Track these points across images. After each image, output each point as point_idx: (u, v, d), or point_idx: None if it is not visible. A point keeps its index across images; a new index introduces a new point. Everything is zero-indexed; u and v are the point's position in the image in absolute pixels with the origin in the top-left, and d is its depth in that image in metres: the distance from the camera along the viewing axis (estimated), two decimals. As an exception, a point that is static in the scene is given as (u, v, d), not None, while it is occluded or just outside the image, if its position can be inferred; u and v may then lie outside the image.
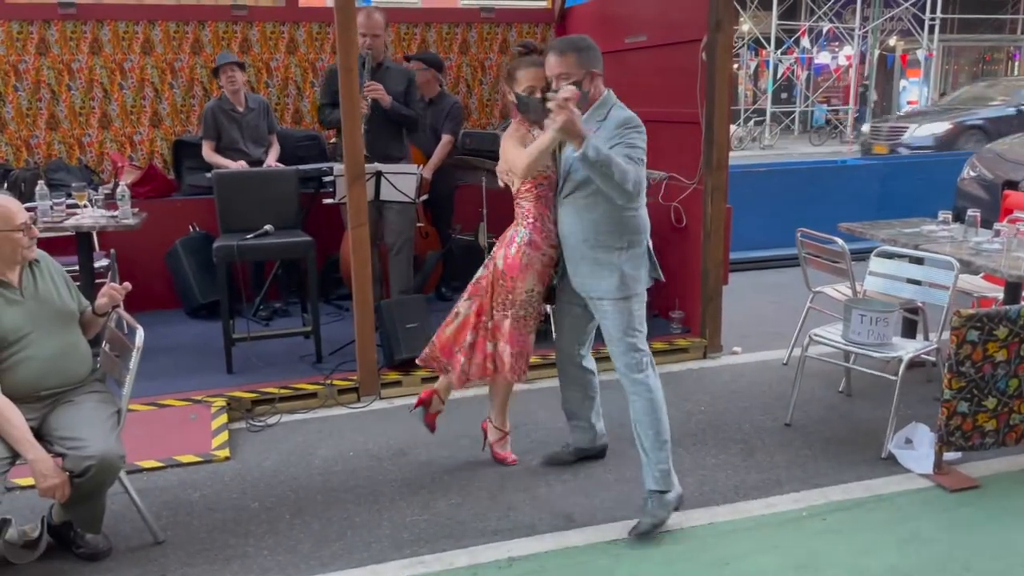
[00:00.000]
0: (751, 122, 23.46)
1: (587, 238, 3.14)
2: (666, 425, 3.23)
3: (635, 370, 3.20)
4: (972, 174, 7.10)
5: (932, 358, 4.03)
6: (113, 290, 3.03)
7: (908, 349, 3.84)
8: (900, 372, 3.74)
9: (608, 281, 3.14)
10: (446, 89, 6.18)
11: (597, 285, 3.17)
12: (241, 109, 5.66)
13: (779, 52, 23.85)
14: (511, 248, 3.38)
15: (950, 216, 4.64)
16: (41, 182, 4.77)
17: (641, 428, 3.21)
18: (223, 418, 4.13)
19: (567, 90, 2.92)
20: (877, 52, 25.36)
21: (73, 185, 4.97)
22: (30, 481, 2.94)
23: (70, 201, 4.76)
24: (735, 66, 23.80)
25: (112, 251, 5.52)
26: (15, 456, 2.76)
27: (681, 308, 5.29)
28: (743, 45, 24.15)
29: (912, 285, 4.17)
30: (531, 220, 3.36)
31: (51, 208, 4.60)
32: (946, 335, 3.54)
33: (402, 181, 4.85)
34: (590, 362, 3.62)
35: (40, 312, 2.92)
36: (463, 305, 3.50)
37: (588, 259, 3.16)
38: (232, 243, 4.66)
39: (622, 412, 4.29)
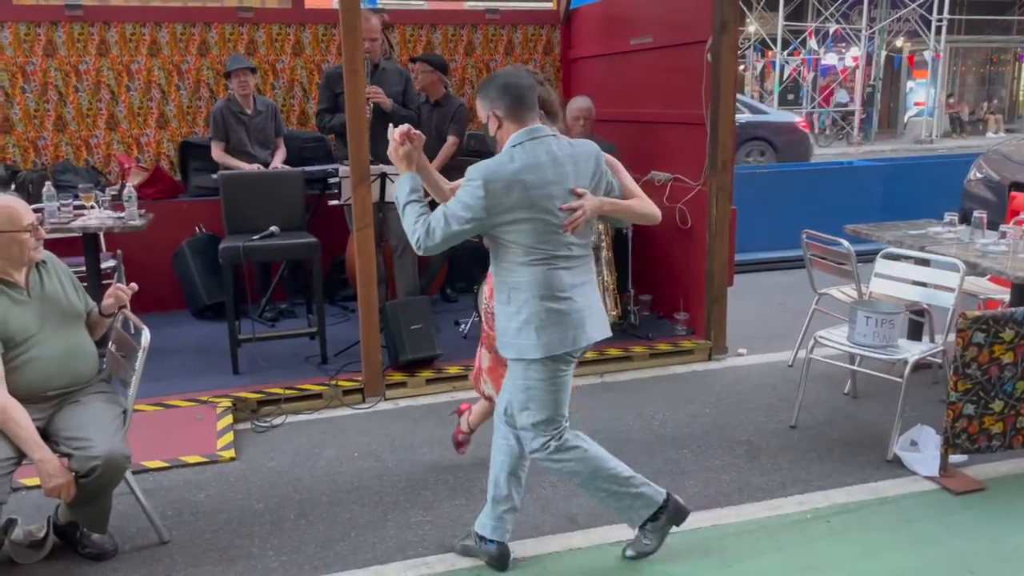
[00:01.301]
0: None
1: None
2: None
3: (535, 450, 2.85)
4: (979, 175, 7.07)
5: (938, 360, 4.03)
6: (119, 291, 3.05)
7: (914, 351, 3.83)
8: (906, 374, 3.73)
9: (499, 334, 2.82)
10: (451, 91, 6.19)
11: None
12: (249, 111, 5.68)
13: (785, 53, 23.80)
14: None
15: (956, 218, 4.63)
16: (48, 183, 4.79)
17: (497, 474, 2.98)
18: (229, 419, 4.15)
19: (392, 134, 2.82)
20: (884, 53, 25.28)
21: (80, 186, 4.99)
22: (36, 481, 2.95)
23: (77, 202, 4.78)
24: (741, 67, 23.79)
25: (119, 252, 5.55)
26: (21, 456, 2.77)
27: (686, 309, 5.29)
28: (749, 46, 24.11)
29: (918, 287, 4.16)
30: None
31: (58, 209, 4.61)
32: (952, 337, 3.53)
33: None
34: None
35: (47, 313, 2.93)
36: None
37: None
38: (238, 244, 4.67)
39: (615, 413, 4.30)
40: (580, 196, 2.69)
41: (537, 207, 2.63)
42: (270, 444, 4.01)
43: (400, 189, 2.78)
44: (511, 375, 2.84)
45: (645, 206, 2.91)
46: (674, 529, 3.15)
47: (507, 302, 2.75)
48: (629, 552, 3.01)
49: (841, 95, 24.45)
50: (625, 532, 3.16)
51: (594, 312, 2.80)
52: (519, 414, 2.83)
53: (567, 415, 2.87)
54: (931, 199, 7.21)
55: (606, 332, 2.85)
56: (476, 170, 2.64)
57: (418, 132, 2.84)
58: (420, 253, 2.71)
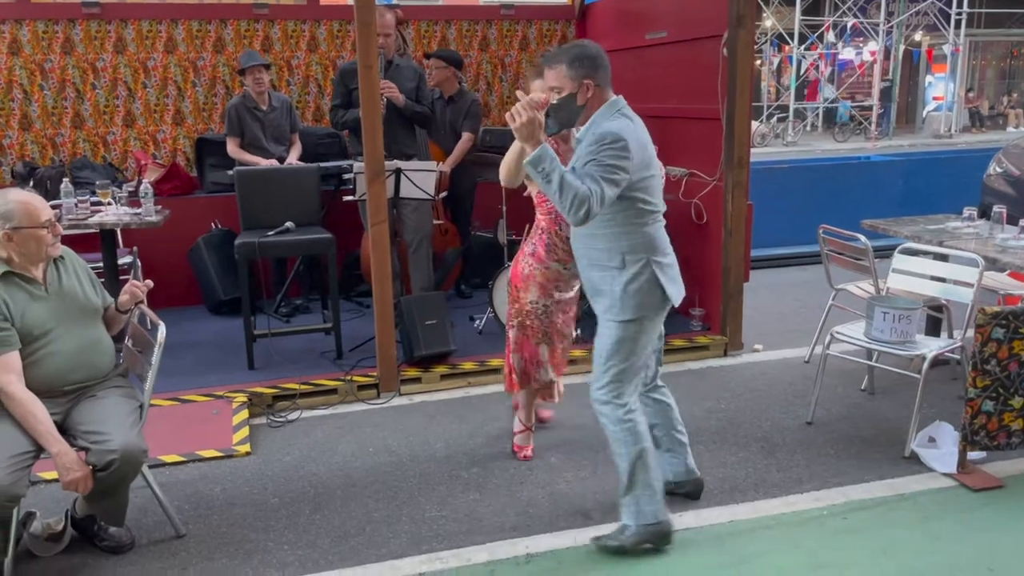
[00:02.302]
0: (774, 119, 23.28)
1: (584, 256, 2.98)
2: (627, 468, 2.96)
3: (602, 402, 2.98)
4: (998, 170, 7.00)
5: (956, 356, 3.98)
6: (135, 287, 3.07)
7: (932, 347, 3.80)
8: (924, 370, 3.70)
9: (603, 302, 2.94)
10: (466, 86, 6.19)
11: (597, 304, 2.98)
12: (264, 108, 5.70)
13: (802, 48, 23.62)
14: (520, 259, 3.52)
15: (975, 212, 4.58)
16: (66, 180, 4.84)
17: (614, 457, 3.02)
18: (244, 413, 4.17)
19: (533, 97, 2.85)
20: (902, 47, 25.05)
21: (97, 183, 5.03)
22: (54, 475, 2.98)
23: (94, 199, 4.82)
24: (758, 62, 23.64)
25: (135, 249, 5.58)
26: (39, 450, 2.79)
27: (701, 305, 5.27)
28: (766, 41, 23.96)
29: (936, 282, 4.12)
30: (539, 232, 3.46)
31: (76, 205, 4.66)
32: (971, 333, 3.49)
33: (421, 178, 4.87)
34: (663, 394, 3.29)
35: (64, 308, 2.95)
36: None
37: (590, 278, 2.99)
38: (253, 240, 4.69)
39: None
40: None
41: (654, 163, 2.91)
42: (285, 439, 4.03)
43: (548, 160, 2.67)
44: (604, 336, 2.94)
45: None
46: (688, 524, 3.15)
47: (622, 266, 2.87)
48: (600, 540, 3.04)
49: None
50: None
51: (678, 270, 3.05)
52: (607, 372, 2.94)
53: (637, 387, 3.06)
54: (950, 194, 7.15)
55: (684, 289, 3.07)
56: (612, 133, 2.73)
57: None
58: (579, 224, 2.74)
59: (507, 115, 2.74)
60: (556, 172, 2.66)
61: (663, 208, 2.95)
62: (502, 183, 3.38)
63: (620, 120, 2.82)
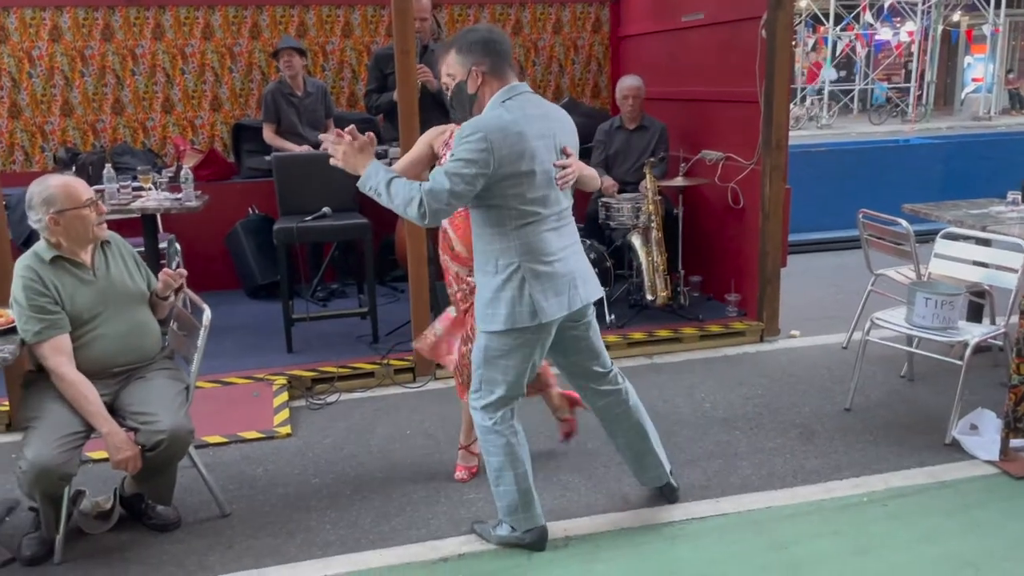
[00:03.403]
0: (808, 101, 22.97)
1: (475, 257, 2.83)
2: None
3: (472, 407, 2.90)
4: (1042, 153, 6.86)
5: (999, 343, 3.93)
6: (168, 276, 3.11)
7: (974, 333, 3.75)
8: (966, 356, 3.65)
9: (477, 308, 2.79)
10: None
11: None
12: (299, 93, 5.74)
13: (838, 28, 23.25)
14: None
15: (1020, 196, 4.50)
16: (108, 165, 4.90)
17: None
18: (284, 396, 4.23)
19: (333, 134, 2.73)
20: (941, 28, 24.55)
21: (138, 168, 5.10)
22: (103, 454, 3.06)
23: (136, 184, 4.89)
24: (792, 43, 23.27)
25: (171, 236, 5.64)
26: (90, 430, 2.86)
27: (737, 291, 5.24)
28: (800, 21, 23.60)
29: (979, 267, 4.06)
30: None
31: (118, 191, 4.73)
32: (1014, 319, 3.44)
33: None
34: (614, 382, 3.12)
35: (112, 292, 3.01)
36: None
37: (476, 281, 2.83)
38: (292, 225, 4.74)
39: (665, 395, 4.29)
40: (569, 156, 2.74)
41: (537, 158, 2.63)
42: (324, 421, 4.09)
43: (372, 177, 2.63)
44: (480, 347, 2.81)
45: (594, 174, 3.00)
46: (725, 510, 3.15)
47: (494, 272, 2.70)
48: (476, 527, 3.07)
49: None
50: (677, 513, 3.17)
51: (586, 274, 2.84)
52: (482, 385, 2.85)
53: (521, 394, 2.89)
54: (991, 178, 7.02)
55: (597, 294, 2.88)
56: (471, 125, 2.59)
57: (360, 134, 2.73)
58: (425, 223, 2.57)
59: (331, 161, 2.69)
60: (381, 185, 2.62)
61: (552, 209, 2.70)
62: None
63: (496, 110, 2.64)
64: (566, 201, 2.79)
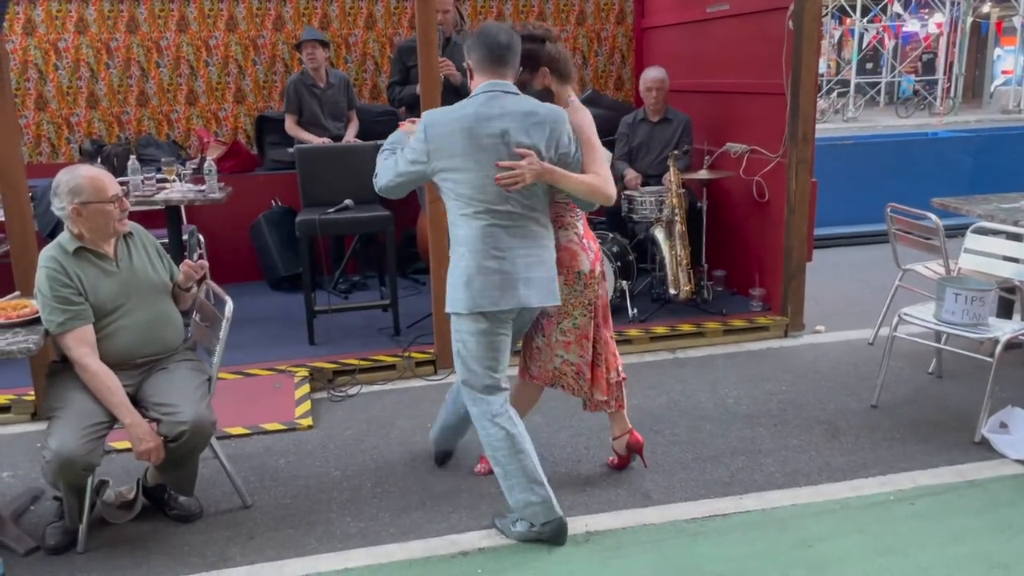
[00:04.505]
0: (834, 94, 22.72)
1: None
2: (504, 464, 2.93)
3: (467, 400, 2.98)
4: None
5: (1031, 340, 3.85)
6: (189, 268, 3.12)
7: (1005, 330, 3.68)
8: (997, 353, 3.58)
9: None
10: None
11: None
12: (322, 84, 5.74)
13: (865, 20, 22.95)
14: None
15: (1052, 191, 4.41)
16: (133, 157, 4.93)
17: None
18: (306, 388, 4.24)
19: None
20: (970, 19, 24.16)
21: (163, 160, 5.12)
22: (126, 444, 3.07)
23: (160, 175, 4.91)
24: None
25: (192, 227, 5.67)
26: (113, 420, 2.87)
27: (761, 285, 5.18)
28: (826, 13, 23.32)
29: (1010, 263, 3.99)
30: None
31: (142, 182, 4.76)
32: (1048, 316, 3.37)
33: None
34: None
35: (135, 283, 3.02)
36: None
37: None
38: (314, 217, 4.74)
39: (688, 390, 4.25)
40: (522, 156, 2.70)
41: (480, 159, 2.69)
42: (346, 413, 4.09)
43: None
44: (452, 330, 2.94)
45: (595, 183, 2.85)
46: (749, 507, 3.12)
47: (454, 256, 2.84)
48: (497, 521, 3.05)
49: (907, 80, 23.48)
50: (699, 510, 3.14)
51: (533, 278, 2.81)
52: (457, 370, 2.97)
53: (502, 381, 2.92)
54: (1022, 171, 6.90)
55: (546, 300, 2.87)
56: (424, 115, 2.80)
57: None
58: (384, 191, 2.90)
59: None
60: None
61: (503, 207, 2.74)
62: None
63: (455, 105, 2.77)
64: (524, 200, 2.77)
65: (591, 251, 3.10)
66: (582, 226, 3.11)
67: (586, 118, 2.98)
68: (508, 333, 2.90)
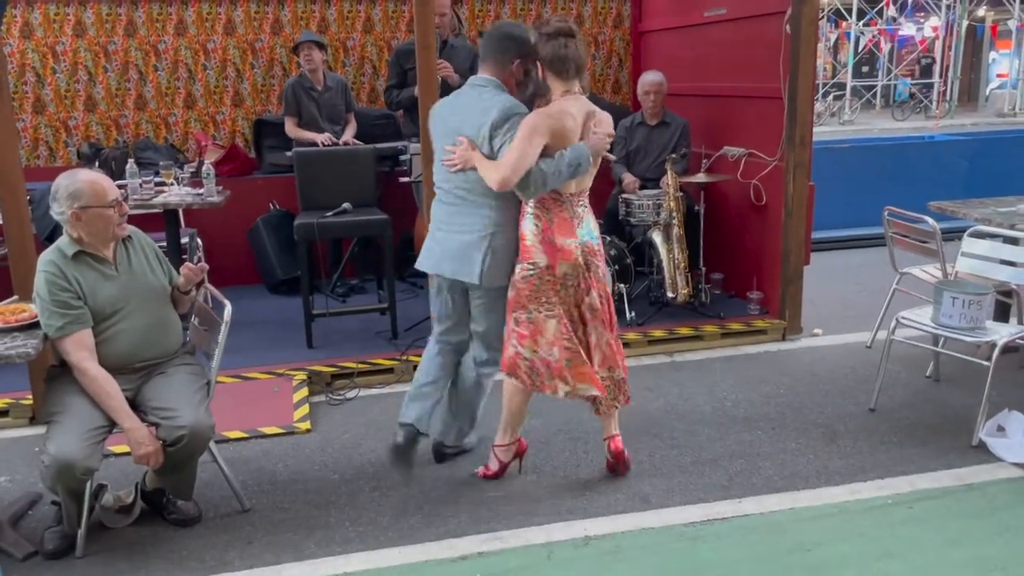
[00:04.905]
0: (830, 97, 22.77)
1: None
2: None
3: None
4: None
5: (1028, 343, 3.87)
6: (189, 270, 3.11)
7: (1002, 333, 3.69)
8: (994, 357, 3.59)
9: None
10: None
11: None
12: (320, 87, 5.74)
13: (861, 24, 23.01)
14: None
15: (1049, 195, 4.43)
16: (131, 160, 4.92)
17: None
18: (304, 391, 4.23)
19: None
20: (965, 23, 24.23)
21: (161, 164, 5.11)
22: (125, 449, 3.06)
23: (158, 179, 4.91)
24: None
25: (192, 231, 5.67)
26: (112, 424, 2.87)
27: (759, 288, 5.19)
28: (822, 17, 23.37)
29: (1007, 266, 3.99)
30: None
31: (140, 186, 4.75)
32: (1045, 319, 3.38)
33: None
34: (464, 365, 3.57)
35: (134, 287, 3.01)
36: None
37: None
38: (312, 220, 4.74)
39: (685, 393, 4.25)
40: (461, 144, 3.08)
41: (440, 142, 3.20)
42: (344, 417, 4.09)
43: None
44: None
45: (488, 167, 3.03)
46: (747, 511, 3.12)
47: None
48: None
49: (903, 83, 23.53)
50: (698, 513, 3.14)
51: (452, 251, 3.17)
52: None
53: (435, 329, 3.45)
54: (1019, 175, 6.92)
55: (459, 274, 3.18)
56: None
57: None
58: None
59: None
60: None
61: (444, 186, 3.20)
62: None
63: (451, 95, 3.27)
64: (463, 184, 3.12)
65: (564, 249, 3.07)
66: (562, 221, 3.09)
67: (546, 121, 3.03)
68: (452, 298, 3.32)
